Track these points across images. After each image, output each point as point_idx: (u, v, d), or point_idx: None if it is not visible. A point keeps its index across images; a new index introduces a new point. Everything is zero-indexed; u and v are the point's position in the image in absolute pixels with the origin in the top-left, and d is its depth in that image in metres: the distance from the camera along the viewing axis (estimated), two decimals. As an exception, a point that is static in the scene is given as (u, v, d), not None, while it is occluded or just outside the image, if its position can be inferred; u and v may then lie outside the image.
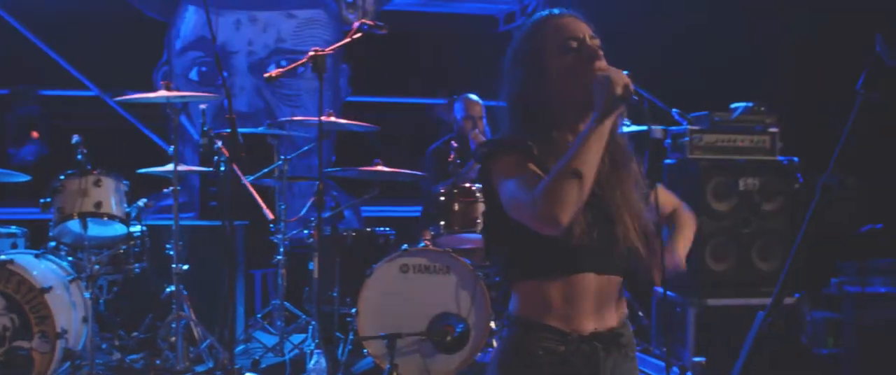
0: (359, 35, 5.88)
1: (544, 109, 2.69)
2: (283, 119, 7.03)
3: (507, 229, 2.61)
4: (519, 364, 2.72)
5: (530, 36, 2.74)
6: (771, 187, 6.40)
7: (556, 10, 2.76)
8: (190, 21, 8.95)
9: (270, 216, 5.76)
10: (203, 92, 8.15)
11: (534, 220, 2.47)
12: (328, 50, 5.61)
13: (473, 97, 7.24)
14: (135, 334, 6.45)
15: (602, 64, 2.61)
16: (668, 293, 6.59)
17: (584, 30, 2.69)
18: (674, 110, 5.92)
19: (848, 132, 2.31)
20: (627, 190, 2.69)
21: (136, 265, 6.25)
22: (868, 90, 2.32)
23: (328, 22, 9.20)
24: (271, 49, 9.09)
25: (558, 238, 2.52)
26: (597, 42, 2.69)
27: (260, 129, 6.99)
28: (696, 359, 5.81)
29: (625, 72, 2.51)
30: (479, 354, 5.85)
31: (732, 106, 6.53)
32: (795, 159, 6.42)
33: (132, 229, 6.17)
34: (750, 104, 6.48)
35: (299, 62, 5.59)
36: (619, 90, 2.47)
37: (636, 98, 2.47)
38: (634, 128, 5.37)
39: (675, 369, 6.19)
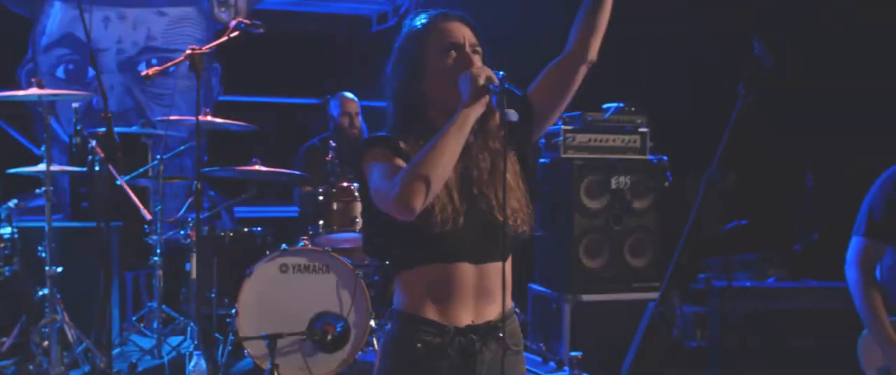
0: (236, 33, 5.83)
1: (421, 107, 2.78)
2: (159, 118, 6.90)
3: (383, 222, 2.69)
4: (400, 357, 2.79)
5: (415, 34, 2.82)
6: (641, 185, 6.60)
7: (444, 11, 2.84)
8: (56, 17, 8.73)
9: (148, 216, 5.68)
10: (70, 90, 7.98)
11: (391, 205, 2.57)
12: (205, 48, 5.56)
13: (349, 95, 7.23)
14: (6, 339, 6.26)
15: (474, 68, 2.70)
16: (544, 289, 6.73)
17: (468, 36, 2.79)
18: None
19: (730, 130, 2.43)
20: (506, 181, 2.76)
21: (7, 268, 6.07)
22: (748, 91, 2.44)
23: (200, 20, 9.09)
24: (141, 47, 8.92)
25: (430, 226, 2.64)
26: (479, 50, 2.80)
27: (133, 129, 6.87)
28: (573, 353, 5.94)
29: (500, 73, 2.62)
30: (360, 353, 5.87)
31: (604, 106, 6.70)
32: (664, 158, 6.62)
33: (2, 231, 6.00)
34: (621, 104, 6.67)
35: (177, 60, 5.52)
36: (481, 81, 2.60)
37: (497, 85, 2.58)
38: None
39: (552, 363, 6.33)
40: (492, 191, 2.75)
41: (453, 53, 2.75)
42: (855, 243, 4.32)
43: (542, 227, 6.78)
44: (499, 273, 2.75)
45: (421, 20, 2.84)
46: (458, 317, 2.74)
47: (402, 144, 2.72)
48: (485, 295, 2.76)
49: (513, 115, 2.58)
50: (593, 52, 2.81)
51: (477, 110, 2.62)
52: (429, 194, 2.55)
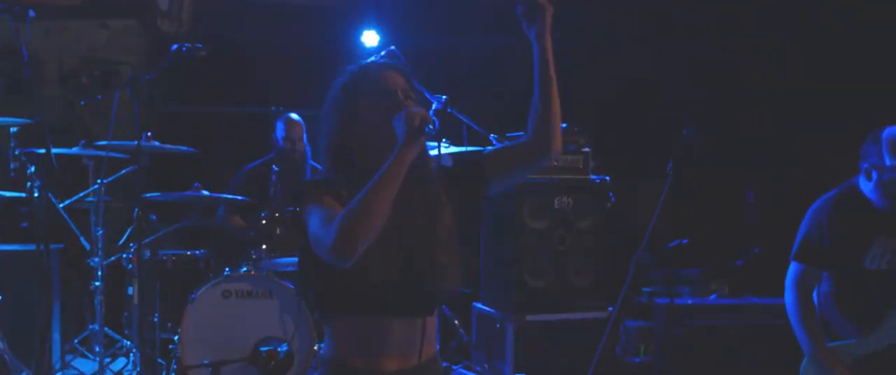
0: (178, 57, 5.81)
1: (355, 155, 2.81)
2: (100, 143, 6.76)
3: (321, 270, 2.74)
4: None
5: (348, 85, 2.87)
6: (584, 205, 6.61)
7: (376, 61, 2.87)
8: (-6, 29, 8.60)
9: (88, 246, 5.63)
10: (9, 104, 7.85)
11: (328, 252, 2.58)
12: (147, 75, 5.54)
13: (294, 117, 7.04)
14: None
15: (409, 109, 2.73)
16: (487, 309, 6.74)
17: (400, 83, 2.84)
18: (492, 136, 6.03)
19: (659, 211, 2.47)
20: (440, 232, 2.83)
21: (-56, 296, 5.99)
22: (676, 172, 2.49)
23: (142, 32, 8.98)
24: (84, 59, 8.80)
25: (365, 279, 2.68)
26: (412, 95, 2.84)
27: (74, 150, 6.75)
28: (516, 374, 5.98)
29: (443, 97, 2.67)
30: (304, 377, 5.87)
31: (547, 127, 6.70)
32: (607, 178, 6.65)
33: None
34: (563, 125, 6.67)
35: (119, 86, 5.48)
36: (416, 122, 2.64)
37: (432, 128, 2.62)
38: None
39: (496, 384, 6.36)
40: (425, 246, 2.79)
41: (386, 99, 2.78)
42: (792, 268, 4.54)
43: (486, 248, 6.81)
44: (425, 325, 2.81)
45: (354, 69, 2.89)
46: (384, 364, 2.80)
47: (338, 187, 2.75)
48: (412, 343, 2.82)
49: (448, 161, 2.60)
50: (557, 144, 2.90)
51: (413, 151, 2.64)
52: (365, 240, 2.56)
